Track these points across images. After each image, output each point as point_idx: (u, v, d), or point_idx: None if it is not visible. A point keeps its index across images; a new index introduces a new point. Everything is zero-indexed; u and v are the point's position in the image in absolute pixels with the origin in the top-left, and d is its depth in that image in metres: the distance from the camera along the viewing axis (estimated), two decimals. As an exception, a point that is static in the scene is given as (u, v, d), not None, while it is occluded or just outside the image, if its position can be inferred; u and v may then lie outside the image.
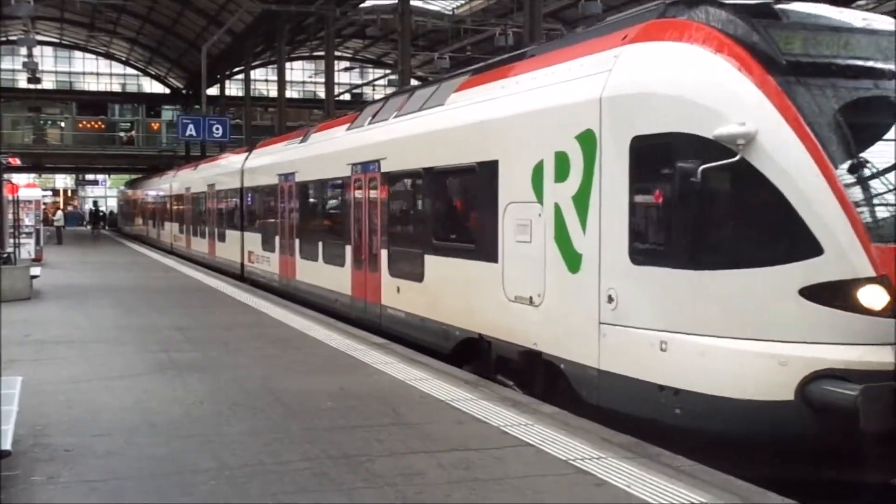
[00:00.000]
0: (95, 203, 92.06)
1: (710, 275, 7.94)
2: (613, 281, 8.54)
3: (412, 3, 34.70)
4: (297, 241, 20.68)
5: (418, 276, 13.26)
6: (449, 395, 10.00)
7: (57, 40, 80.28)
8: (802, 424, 7.27)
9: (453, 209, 12.97)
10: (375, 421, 8.84)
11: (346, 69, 72.81)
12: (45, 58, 77.99)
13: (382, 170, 14.92)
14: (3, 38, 76.35)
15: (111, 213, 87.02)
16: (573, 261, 9.13)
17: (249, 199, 26.73)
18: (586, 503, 6.42)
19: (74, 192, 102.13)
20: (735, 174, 7.68)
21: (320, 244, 18.82)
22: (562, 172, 9.35)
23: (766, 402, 7.36)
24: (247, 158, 27.71)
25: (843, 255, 7.38)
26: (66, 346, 13.45)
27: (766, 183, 7.55)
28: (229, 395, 10.06)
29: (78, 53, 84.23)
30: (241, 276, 26.86)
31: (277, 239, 22.58)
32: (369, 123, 16.55)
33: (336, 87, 46.91)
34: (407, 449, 7.80)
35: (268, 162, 24.51)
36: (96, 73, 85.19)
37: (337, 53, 50.57)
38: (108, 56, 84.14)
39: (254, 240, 25.66)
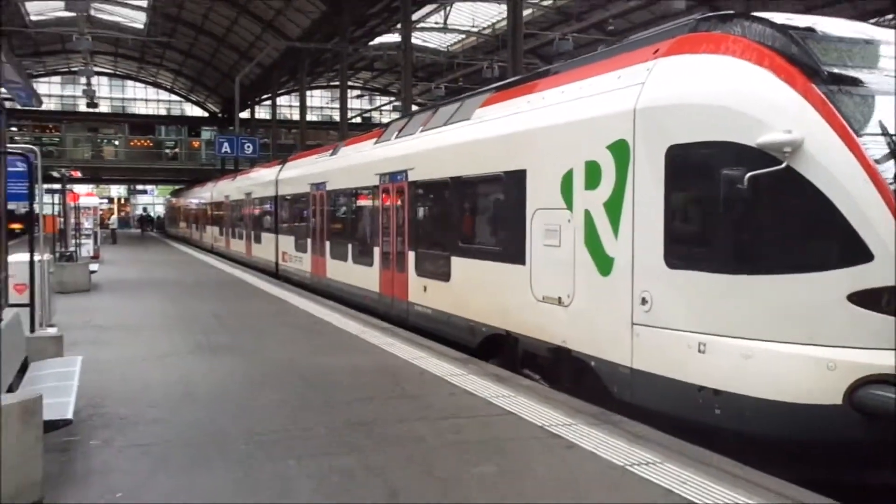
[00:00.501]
0: (144, 209, 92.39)
1: (755, 279, 7.07)
2: (647, 284, 7.72)
3: (413, 41, 34.60)
4: (327, 243, 19.79)
5: (445, 276, 12.35)
6: (443, 371, 9.95)
7: (112, 71, 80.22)
8: (850, 429, 6.51)
9: (480, 215, 12.07)
10: (383, 393, 8.82)
11: (357, 96, 72.88)
12: (102, 86, 78.14)
13: (410, 179, 13.99)
14: (66, 69, 76.45)
15: (158, 217, 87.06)
16: (604, 264, 8.30)
17: (283, 205, 25.72)
18: (559, 462, 6.39)
19: (127, 199, 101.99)
20: (782, 181, 6.86)
21: (349, 246, 17.95)
22: (592, 180, 8.53)
23: (812, 406, 6.60)
24: (280, 170, 26.85)
25: (893, 261, 6.58)
26: (119, 331, 13.37)
27: (813, 189, 6.81)
28: (258, 371, 10.01)
29: (129, 82, 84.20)
30: (275, 273, 25.82)
31: (309, 241, 21.65)
32: (396, 138, 15.69)
33: (349, 111, 46.85)
34: (409, 417, 7.78)
35: (300, 173, 23.58)
36: (145, 99, 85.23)
37: (349, 83, 50.56)
38: (156, 84, 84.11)
39: (287, 241, 24.75)
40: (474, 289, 11.46)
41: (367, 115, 75.17)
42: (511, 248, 10.23)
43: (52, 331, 10.14)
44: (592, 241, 8.48)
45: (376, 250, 15.83)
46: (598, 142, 8.41)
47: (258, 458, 6.44)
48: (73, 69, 74.10)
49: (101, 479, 5.93)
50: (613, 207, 8.16)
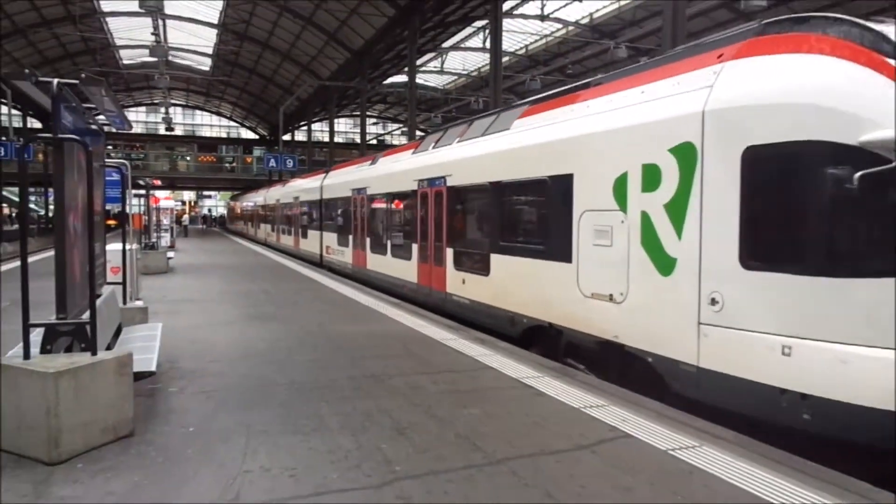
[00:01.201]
0: (209, 209, 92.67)
1: (856, 283, 5.53)
2: (719, 284, 6.34)
3: (416, 80, 34.58)
4: (367, 239, 18.46)
5: (484, 271, 11.04)
6: (440, 335, 9.96)
7: (184, 103, 79.90)
8: None
9: (521, 216, 10.50)
10: (392, 353, 8.81)
11: (373, 123, 72.99)
12: (177, 114, 78.01)
13: (448, 184, 12.64)
14: (149, 101, 76.20)
15: (221, 216, 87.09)
16: (665, 264, 6.92)
17: (327, 207, 24.39)
18: (529, 406, 6.41)
19: (196, 202, 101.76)
20: (891, 181, 5.32)
21: (389, 242, 16.52)
22: (651, 183, 7.12)
23: None
24: (324, 178, 25.55)
25: None
26: (189, 303, 13.35)
27: None
28: (297, 335, 9.99)
29: (198, 111, 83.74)
30: (319, 263, 24.60)
31: (350, 237, 20.32)
32: (433, 148, 14.29)
33: (367, 135, 46.74)
34: (413, 371, 7.78)
35: (342, 180, 22.12)
36: (210, 124, 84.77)
37: (367, 113, 50.45)
38: (218, 113, 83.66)
39: (330, 237, 23.51)
40: (515, 283, 10.09)
41: (381, 137, 75.16)
42: (555, 247, 8.88)
43: (139, 303, 10.11)
44: (650, 241, 7.13)
45: (414, 246, 14.52)
46: (657, 145, 7.07)
47: (297, 402, 6.46)
48: (154, 101, 74.10)
49: (177, 417, 5.96)
50: (676, 209, 6.82)
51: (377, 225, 17.89)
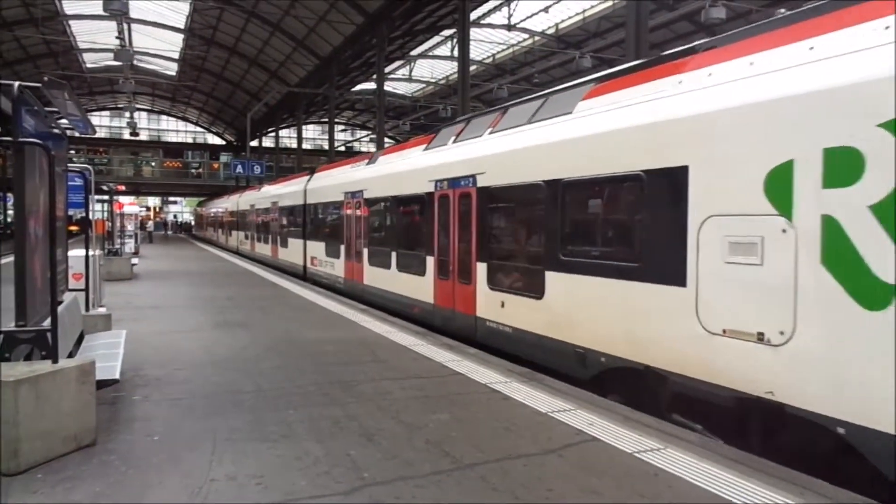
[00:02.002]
0: (175, 216, 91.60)
1: None
2: None
3: (385, 88, 34.53)
4: (365, 250, 15.76)
5: (535, 292, 8.63)
6: (407, 342, 9.92)
7: (150, 108, 78.74)
8: None
9: (595, 223, 8.05)
10: (360, 359, 8.74)
11: (342, 130, 72.73)
12: (142, 119, 76.76)
13: (479, 184, 10.28)
14: (113, 106, 75.04)
15: (187, 222, 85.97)
16: (872, 293, 4.72)
17: (312, 212, 21.51)
18: (497, 410, 6.41)
19: (161, 208, 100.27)
20: None
21: (394, 254, 13.91)
22: (843, 174, 4.91)
23: None
24: (309, 180, 22.72)
25: None
26: (154, 310, 13.12)
27: None
28: (264, 342, 9.88)
29: (164, 116, 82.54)
30: (303, 276, 21.82)
31: (342, 247, 17.62)
32: (454, 142, 11.84)
33: (336, 141, 46.54)
34: (381, 377, 7.72)
35: (332, 182, 19.29)
36: (176, 129, 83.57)
37: (336, 120, 50.25)
38: (184, 118, 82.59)
39: (316, 247, 20.67)
40: (587, 310, 7.71)
41: (349, 144, 74.88)
42: (657, 264, 6.73)
43: (102, 310, 9.91)
44: (843, 258, 4.94)
45: (430, 259, 12.04)
46: (854, 120, 4.89)
47: (264, 408, 6.37)
48: (119, 106, 72.94)
49: (141, 425, 5.83)
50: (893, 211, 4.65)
51: (378, 234, 15.33)
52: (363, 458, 5.07)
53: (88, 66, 55.36)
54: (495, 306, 9.79)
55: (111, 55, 42.48)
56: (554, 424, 5.95)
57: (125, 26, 41.63)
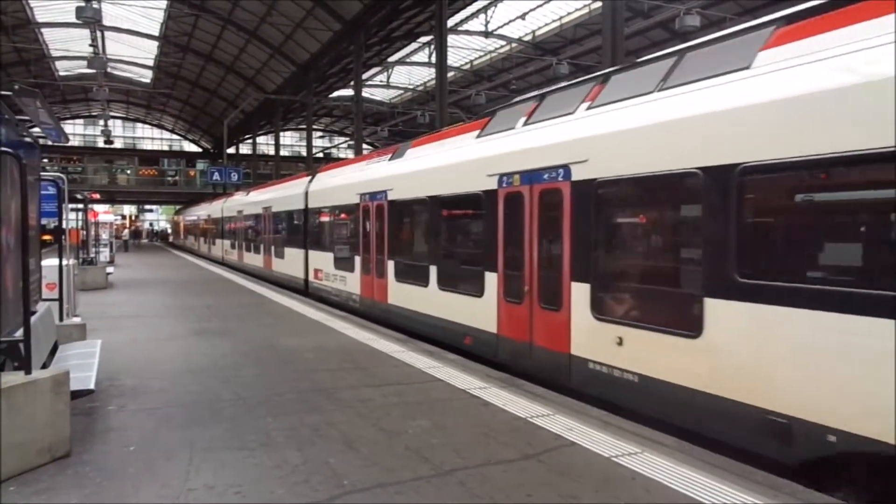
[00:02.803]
0: (151, 224, 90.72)
1: None
2: None
3: (363, 94, 34.52)
4: (390, 263, 13.05)
5: (684, 327, 6.05)
6: (388, 349, 9.90)
7: (124, 115, 77.95)
8: None
9: (819, 227, 5.17)
10: (340, 366, 8.71)
11: (320, 136, 72.56)
12: (116, 127, 75.98)
13: (576, 177, 7.69)
14: (87, 114, 74.23)
15: (163, 230, 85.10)
16: None
17: (315, 218, 18.65)
18: (477, 416, 6.42)
19: (137, 216, 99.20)
20: None
21: (433, 269, 11.20)
22: None
23: None
24: (311, 182, 19.82)
25: None
26: (130, 319, 12.97)
27: None
28: (242, 350, 9.80)
29: (139, 124, 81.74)
30: (304, 290, 19.20)
31: (358, 259, 14.80)
32: (526, 125, 9.15)
33: (313, 148, 46.40)
34: (361, 384, 7.70)
35: (342, 182, 16.45)
36: (152, 137, 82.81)
37: (314, 126, 50.10)
38: (160, 126, 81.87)
39: (322, 258, 17.68)
40: (797, 359, 5.08)
41: (327, 151, 74.75)
42: None
43: (76, 320, 9.79)
44: None
45: (491, 278, 9.40)
46: None
47: (243, 417, 6.33)
48: (93, 114, 72.19)
49: (117, 436, 5.76)
50: None
51: (408, 243, 12.86)
52: (343, 465, 5.06)
53: (61, 73, 54.70)
54: (606, 343, 7.19)
55: (84, 63, 41.99)
56: (533, 430, 5.98)
57: (98, 33, 41.16)
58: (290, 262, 20.97)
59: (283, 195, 22.65)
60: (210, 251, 39.26)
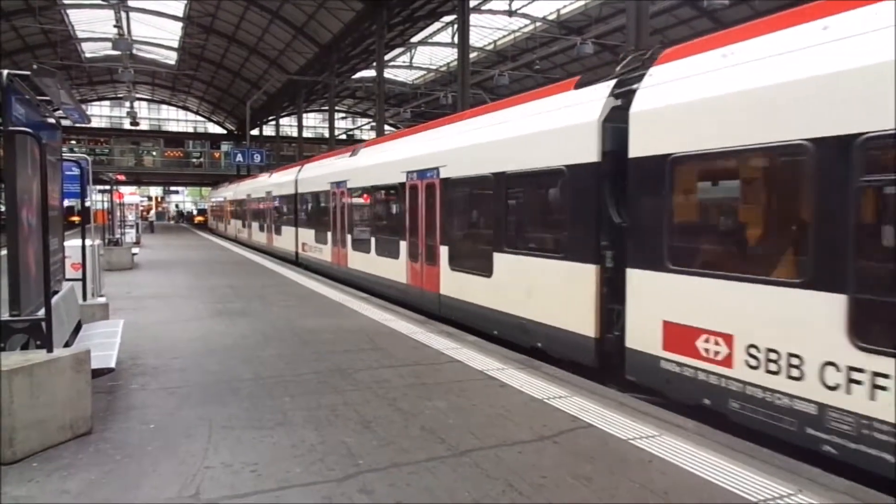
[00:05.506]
0: (177, 205, 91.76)
1: None
2: None
3: (385, 75, 34.39)
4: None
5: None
6: (407, 329, 9.93)
7: (150, 97, 78.42)
8: None
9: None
10: (359, 347, 8.75)
11: (342, 118, 72.51)
12: (142, 109, 76.49)
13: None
14: (113, 96, 74.89)
15: (189, 212, 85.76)
16: None
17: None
18: (494, 397, 6.41)
19: (163, 198, 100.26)
20: None
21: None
22: None
23: None
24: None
25: None
26: (154, 300, 13.14)
27: None
28: (263, 330, 9.89)
29: (164, 106, 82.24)
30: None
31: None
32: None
33: (336, 129, 46.44)
34: (379, 365, 7.73)
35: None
36: (177, 119, 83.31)
37: (336, 108, 50.09)
38: (185, 108, 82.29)
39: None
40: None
41: (350, 132, 74.75)
42: None
43: (100, 300, 9.93)
44: None
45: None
46: None
47: (261, 396, 6.39)
48: (118, 95, 72.73)
49: (138, 414, 5.85)
50: None
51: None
52: (358, 445, 5.09)
53: (87, 55, 55.15)
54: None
55: (110, 44, 42.33)
56: (549, 411, 5.96)
57: (123, 14, 41.39)
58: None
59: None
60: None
